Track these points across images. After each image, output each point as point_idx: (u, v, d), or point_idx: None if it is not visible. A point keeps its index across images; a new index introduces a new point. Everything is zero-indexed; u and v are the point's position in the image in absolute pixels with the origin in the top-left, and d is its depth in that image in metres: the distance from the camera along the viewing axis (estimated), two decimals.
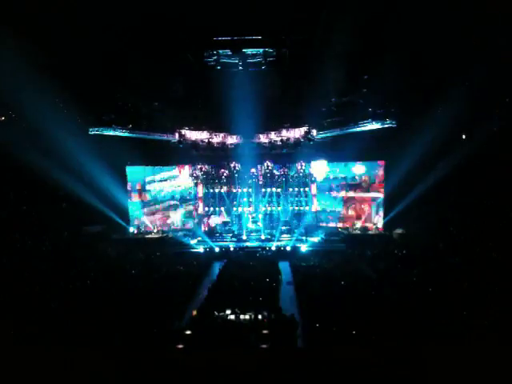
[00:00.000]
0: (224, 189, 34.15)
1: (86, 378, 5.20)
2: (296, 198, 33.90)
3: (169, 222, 33.88)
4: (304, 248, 27.90)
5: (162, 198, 33.85)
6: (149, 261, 24.79)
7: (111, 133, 27.68)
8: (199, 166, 33.88)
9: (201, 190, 34.20)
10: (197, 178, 33.97)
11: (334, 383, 5.00)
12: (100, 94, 25.15)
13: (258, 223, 33.12)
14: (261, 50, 21.75)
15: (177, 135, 30.75)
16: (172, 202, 33.96)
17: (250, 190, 33.99)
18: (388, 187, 30.17)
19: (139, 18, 17.20)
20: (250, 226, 33.08)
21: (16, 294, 15.85)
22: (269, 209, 33.83)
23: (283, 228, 32.34)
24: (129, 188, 32.88)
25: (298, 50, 21.42)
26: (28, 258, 21.17)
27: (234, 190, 34.12)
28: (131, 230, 31.65)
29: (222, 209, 34.16)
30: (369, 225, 31.18)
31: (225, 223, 33.62)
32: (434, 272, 18.64)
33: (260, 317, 14.94)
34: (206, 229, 33.48)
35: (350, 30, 17.34)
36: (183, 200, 34.09)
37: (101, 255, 24.99)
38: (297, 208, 33.87)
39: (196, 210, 34.20)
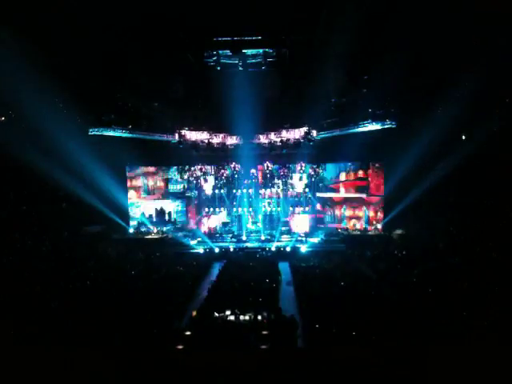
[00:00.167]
0: (224, 189, 34.13)
1: (86, 378, 5.20)
2: (296, 199, 33.87)
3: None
4: (304, 249, 27.90)
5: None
6: (149, 261, 24.78)
7: (111, 133, 27.67)
8: (199, 167, 33.89)
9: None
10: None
11: (334, 383, 5.00)
12: (100, 95, 25.16)
13: (258, 224, 33.10)
14: (261, 50, 21.77)
15: (177, 136, 30.78)
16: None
17: (250, 190, 33.97)
18: (388, 188, 30.18)
19: (139, 18, 17.21)
20: (250, 226, 33.08)
21: (16, 294, 15.84)
22: (269, 209, 33.80)
23: (283, 229, 32.35)
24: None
25: (298, 51, 21.44)
26: (28, 258, 21.18)
27: (234, 191, 34.11)
28: (131, 230, 31.64)
29: (222, 209, 34.15)
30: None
31: (224, 224, 33.60)
32: (433, 272, 18.63)
33: (260, 317, 14.93)
34: (206, 230, 33.42)
35: (350, 30, 17.34)
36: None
37: (101, 255, 24.99)
38: (297, 209, 33.82)
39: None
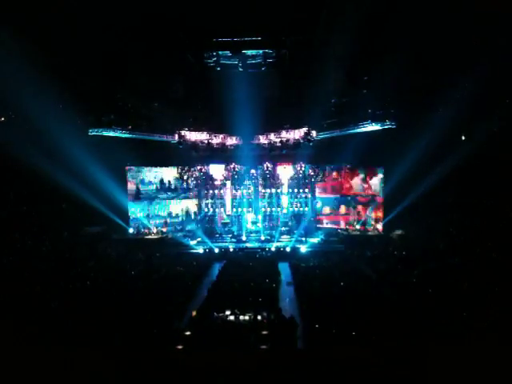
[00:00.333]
0: (223, 190, 34.15)
1: (86, 378, 5.21)
2: (296, 199, 33.88)
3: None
4: (303, 249, 27.91)
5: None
6: (148, 261, 24.77)
7: (111, 134, 27.68)
8: (199, 167, 33.92)
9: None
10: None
11: (334, 383, 5.01)
12: (100, 95, 25.17)
13: (258, 224, 33.09)
14: (260, 50, 21.77)
15: (176, 136, 30.79)
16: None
17: (250, 191, 33.97)
18: (387, 188, 30.18)
19: (139, 18, 17.22)
20: (250, 226, 33.08)
21: (16, 294, 15.84)
22: (268, 210, 33.80)
23: (283, 229, 32.35)
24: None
25: (298, 51, 21.44)
26: (28, 258, 21.17)
27: (234, 191, 34.10)
28: (131, 230, 31.61)
29: (222, 209, 34.16)
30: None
31: (224, 224, 33.59)
32: (433, 272, 18.63)
33: (260, 317, 14.94)
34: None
35: (350, 31, 17.35)
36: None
37: (101, 255, 24.97)
38: (296, 209, 33.83)
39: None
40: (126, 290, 18.16)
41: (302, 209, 33.69)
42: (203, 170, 34.07)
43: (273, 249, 28.22)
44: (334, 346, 11.21)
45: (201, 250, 28.32)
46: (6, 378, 5.13)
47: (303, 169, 33.52)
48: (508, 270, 16.60)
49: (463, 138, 26.36)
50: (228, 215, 34.11)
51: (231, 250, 28.36)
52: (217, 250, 28.09)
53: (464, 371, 4.96)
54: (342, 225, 31.55)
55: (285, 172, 34.02)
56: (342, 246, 28.24)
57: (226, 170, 34.21)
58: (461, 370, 4.99)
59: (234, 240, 31.29)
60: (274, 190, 33.81)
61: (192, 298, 18.91)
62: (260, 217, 33.41)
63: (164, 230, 32.58)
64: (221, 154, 33.05)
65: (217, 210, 34.18)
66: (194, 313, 15.68)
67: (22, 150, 23.34)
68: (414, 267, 19.97)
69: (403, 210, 27.76)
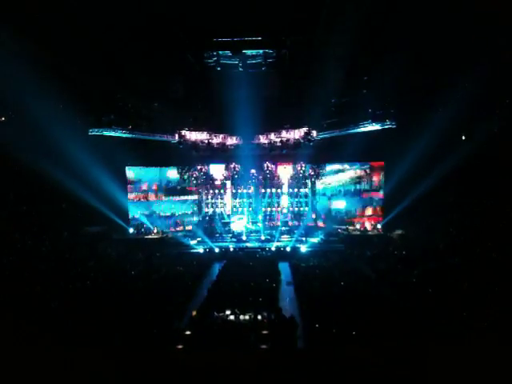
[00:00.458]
0: (223, 190, 34.17)
1: (86, 378, 5.21)
2: (296, 199, 33.89)
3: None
4: (304, 248, 27.90)
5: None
6: (149, 261, 24.77)
7: (111, 133, 27.68)
8: (199, 167, 33.93)
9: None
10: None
11: (334, 383, 5.01)
12: (100, 95, 25.18)
13: (258, 224, 33.09)
14: (261, 50, 21.76)
15: (177, 136, 30.80)
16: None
17: (250, 190, 33.98)
18: (387, 188, 30.20)
19: (139, 18, 17.22)
20: (250, 226, 33.07)
21: (16, 294, 15.84)
22: (268, 209, 33.81)
23: (283, 229, 32.34)
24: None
25: (298, 51, 21.42)
26: (28, 258, 21.16)
27: (234, 191, 34.12)
28: (131, 230, 31.60)
29: (223, 209, 34.18)
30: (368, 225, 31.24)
31: (224, 224, 33.58)
32: (433, 272, 18.62)
33: (260, 317, 14.95)
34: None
35: (350, 30, 17.34)
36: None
37: (101, 255, 24.97)
38: (296, 209, 33.84)
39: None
40: (125, 289, 18.16)
41: (302, 209, 33.72)
42: (203, 170, 34.07)
43: (273, 248, 28.23)
44: (334, 346, 11.22)
45: (201, 250, 28.32)
46: (6, 378, 5.14)
47: (303, 168, 33.52)
48: (508, 270, 16.60)
49: (463, 137, 26.35)
50: (228, 215, 34.12)
51: (231, 249, 28.36)
52: (217, 250, 28.09)
53: (464, 371, 4.96)
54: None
55: (285, 172, 34.02)
56: (341, 245, 28.25)
57: (226, 169, 34.22)
58: (461, 370, 4.99)
59: (234, 240, 31.29)
60: (274, 190, 33.83)
61: (192, 297, 18.91)
62: (260, 216, 33.40)
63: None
64: (221, 154, 33.06)
65: (217, 209, 34.20)
66: (194, 312, 15.68)
67: (21, 150, 23.34)
68: (414, 267, 19.97)
69: (403, 210, 27.76)
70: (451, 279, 17.26)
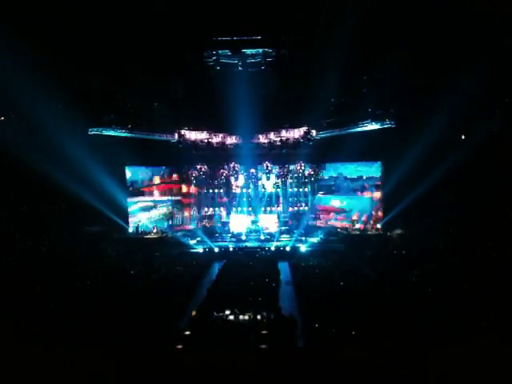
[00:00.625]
0: (223, 189, 34.14)
1: (86, 378, 5.21)
2: (295, 198, 33.90)
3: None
4: (303, 248, 27.90)
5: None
6: (148, 261, 24.77)
7: (111, 133, 27.68)
8: (198, 167, 33.92)
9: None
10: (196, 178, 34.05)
11: (334, 383, 5.01)
12: (100, 95, 25.17)
13: (258, 223, 33.08)
14: (260, 50, 21.77)
15: (176, 135, 30.78)
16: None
17: (250, 190, 33.98)
18: (387, 188, 30.20)
19: (139, 18, 17.23)
20: (250, 226, 33.07)
21: (16, 294, 15.84)
22: (268, 209, 33.82)
23: (282, 228, 32.34)
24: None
25: (298, 51, 21.44)
26: (28, 258, 21.15)
27: (233, 191, 34.12)
28: (130, 230, 31.58)
29: (222, 209, 34.17)
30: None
31: (224, 223, 33.58)
32: (433, 272, 18.63)
33: (259, 317, 14.95)
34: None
35: (350, 30, 17.36)
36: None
37: (100, 255, 24.95)
38: (296, 208, 33.86)
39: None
40: (125, 289, 18.17)
41: (301, 208, 33.74)
42: (203, 170, 34.05)
43: (272, 248, 28.23)
44: (334, 346, 11.22)
45: (200, 250, 28.33)
46: (6, 378, 5.13)
47: (303, 168, 33.53)
48: (508, 270, 16.60)
49: (463, 137, 26.34)
50: (227, 215, 34.14)
51: (231, 249, 28.38)
52: (216, 250, 28.10)
53: (464, 371, 4.96)
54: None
55: (284, 171, 34.01)
56: (341, 245, 28.26)
57: (225, 169, 34.21)
58: (461, 370, 4.99)
59: (233, 239, 31.31)
60: (273, 190, 33.84)
61: (192, 297, 18.91)
62: (260, 216, 33.41)
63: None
64: (221, 153, 33.04)
65: (216, 209, 34.21)
66: (193, 312, 15.69)
67: (21, 150, 23.32)
68: (414, 267, 19.98)
69: (403, 210, 27.74)
70: (451, 279, 17.27)
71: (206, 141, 31.51)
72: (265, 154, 33.02)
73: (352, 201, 32.95)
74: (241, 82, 23.38)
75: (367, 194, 32.54)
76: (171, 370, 5.42)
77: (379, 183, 31.85)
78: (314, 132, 30.30)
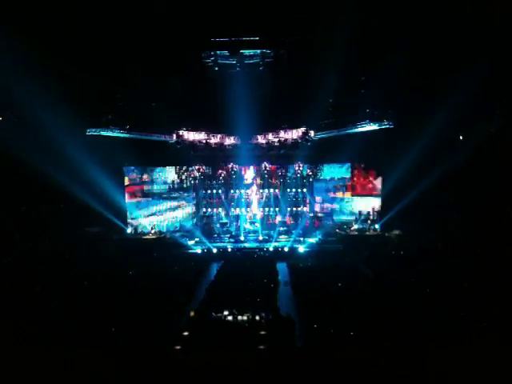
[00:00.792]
0: (221, 190, 34.09)
1: (86, 378, 5.22)
2: (294, 199, 33.89)
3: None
4: (301, 249, 27.90)
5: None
6: (147, 261, 24.75)
7: (109, 134, 27.66)
8: (197, 167, 33.88)
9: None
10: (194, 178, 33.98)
11: (333, 383, 5.03)
12: (98, 95, 25.14)
13: (256, 224, 33.07)
14: (258, 50, 21.76)
15: (174, 136, 30.75)
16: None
17: (248, 191, 33.97)
18: (386, 188, 30.24)
19: (138, 18, 17.22)
20: (248, 226, 33.06)
21: (16, 294, 15.84)
22: (266, 210, 33.79)
23: (281, 229, 32.34)
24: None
25: (296, 51, 21.43)
26: (28, 258, 21.15)
27: (232, 191, 34.09)
28: (129, 230, 31.56)
29: (220, 210, 34.13)
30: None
31: (222, 224, 33.56)
32: (433, 272, 18.66)
33: (258, 317, 14.94)
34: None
35: (350, 31, 17.36)
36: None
37: (100, 256, 24.93)
38: (294, 209, 33.84)
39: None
40: (124, 290, 18.16)
41: (300, 209, 33.73)
42: (201, 170, 34.02)
43: (271, 249, 28.22)
44: (332, 346, 11.24)
45: (199, 250, 28.30)
46: (6, 378, 5.14)
47: (301, 169, 33.53)
48: (508, 270, 16.64)
49: (462, 137, 26.38)
50: (226, 215, 34.09)
51: (229, 250, 28.36)
52: (215, 250, 28.07)
53: (463, 371, 4.98)
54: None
55: (283, 172, 34.00)
56: (339, 245, 28.27)
57: (224, 169, 34.18)
58: (460, 370, 5.01)
59: (232, 240, 31.31)
60: (272, 190, 33.82)
61: (190, 298, 18.89)
62: (258, 217, 33.40)
63: None
64: (219, 154, 33.01)
65: (215, 209, 34.18)
66: (192, 313, 15.68)
67: (20, 150, 23.31)
68: (413, 267, 20.00)
69: (401, 210, 27.78)
70: (450, 279, 17.30)
71: (204, 141, 31.47)
72: (263, 154, 32.98)
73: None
74: (239, 83, 23.39)
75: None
76: (170, 370, 5.43)
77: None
78: (312, 133, 30.29)
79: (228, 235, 32.27)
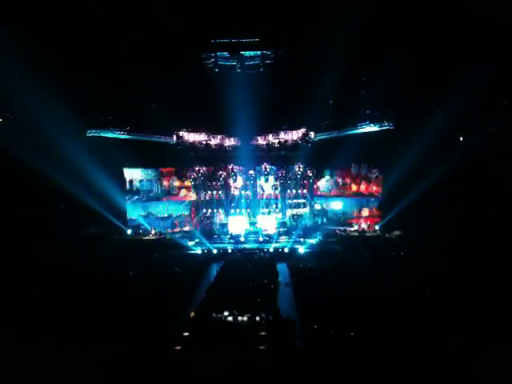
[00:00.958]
0: (222, 191, 34.05)
1: (87, 378, 5.22)
2: (294, 200, 33.85)
3: None
4: (302, 250, 27.87)
5: None
6: (147, 262, 24.73)
7: (109, 135, 27.64)
8: (197, 168, 33.85)
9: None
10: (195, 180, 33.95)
11: (332, 383, 5.03)
12: (98, 96, 25.14)
13: (256, 225, 33.02)
14: (259, 52, 21.77)
15: (175, 137, 30.73)
16: None
17: (248, 192, 33.92)
18: (386, 189, 30.23)
19: (139, 19, 17.24)
20: (248, 227, 33.01)
21: (16, 294, 15.83)
22: (266, 210, 33.75)
23: (281, 230, 32.30)
24: None
25: (296, 53, 21.45)
26: (28, 258, 21.13)
27: (232, 192, 34.06)
28: (129, 231, 31.52)
29: (220, 211, 34.10)
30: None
31: (222, 225, 33.53)
32: (432, 272, 18.64)
33: (258, 318, 14.94)
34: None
35: (350, 31, 17.38)
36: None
37: (100, 256, 24.89)
38: (295, 210, 33.82)
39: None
40: (124, 291, 18.15)
41: (300, 210, 33.71)
42: (201, 171, 33.99)
43: (271, 250, 28.17)
44: (332, 346, 11.24)
45: (199, 251, 28.26)
46: (6, 377, 5.14)
47: (301, 170, 33.50)
48: (508, 270, 16.63)
49: (462, 138, 26.38)
50: (226, 216, 34.07)
51: (229, 250, 28.31)
52: (215, 251, 28.04)
53: (464, 371, 4.98)
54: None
55: (283, 173, 33.97)
56: (339, 246, 28.24)
57: (224, 171, 34.15)
58: (460, 370, 5.01)
59: (232, 241, 31.24)
60: (272, 191, 33.79)
61: (190, 298, 18.89)
62: (258, 218, 33.36)
63: None
64: (219, 155, 33.00)
65: (215, 210, 34.15)
66: (192, 314, 15.67)
67: (21, 151, 23.31)
68: (413, 267, 19.99)
69: (401, 211, 27.76)
70: (450, 279, 17.29)
71: (204, 142, 31.46)
72: (263, 155, 32.97)
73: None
74: (239, 84, 23.40)
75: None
76: (170, 370, 5.44)
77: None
78: (312, 134, 30.29)
79: (228, 236, 32.20)
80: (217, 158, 33.46)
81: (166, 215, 33.99)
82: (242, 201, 33.87)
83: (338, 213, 33.62)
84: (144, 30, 18.45)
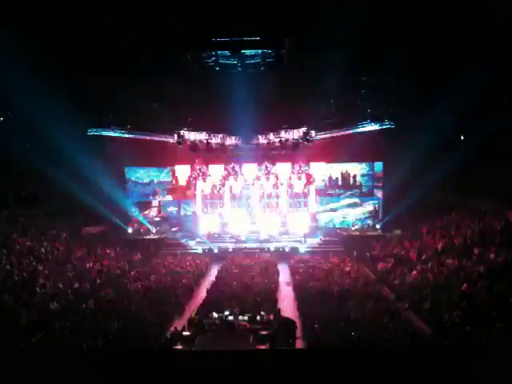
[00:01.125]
0: (223, 190, 34.03)
1: (86, 378, 5.20)
2: (295, 199, 33.82)
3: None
4: (302, 249, 27.86)
5: None
6: (147, 262, 24.76)
7: (110, 134, 27.64)
8: (198, 167, 33.85)
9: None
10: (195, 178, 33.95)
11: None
12: (99, 95, 25.11)
13: (257, 224, 32.99)
14: (259, 50, 21.73)
15: (176, 136, 30.71)
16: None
17: (249, 190, 33.90)
18: (387, 189, 30.22)
19: (139, 18, 17.20)
20: (249, 227, 32.97)
21: (16, 295, 15.83)
22: (268, 210, 33.73)
23: (282, 229, 32.27)
24: None
25: (297, 51, 21.41)
26: (28, 258, 21.13)
27: (233, 191, 34.03)
28: (130, 230, 31.53)
29: (221, 210, 34.09)
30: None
31: (223, 224, 33.51)
32: (432, 273, 18.63)
33: (259, 318, 14.95)
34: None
35: (350, 31, 17.34)
36: None
37: (100, 256, 24.91)
38: (296, 209, 33.81)
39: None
40: (124, 290, 18.18)
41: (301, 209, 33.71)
42: (202, 170, 33.98)
43: (272, 249, 28.17)
44: (333, 346, 11.24)
45: (200, 250, 28.27)
46: (6, 377, 5.13)
47: (302, 169, 33.48)
48: (508, 270, 16.61)
49: (462, 137, 26.35)
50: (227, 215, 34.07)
51: (230, 250, 28.31)
52: (216, 250, 28.05)
53: (464, 372, 4.96)
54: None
55: (284, 172, 33.95)
56: (341, 246, 28.23)
57: (225, 170, 34.15)
58: (461, 370, 4.99)
59: (233, 240, 31.20)
60: (273, 191, 33.77)
61: (191, 298, 18.92)
62: (259, 217, 33.33)
63: None
64: (220, 154, 32.98)
65: (216, 209, 34.13)
66: (193, 313, 15.69)
67: (21, 150, 23.32)
68: (414, 268, 19.98)
69: (403, 210, 27.73)
70: (450, 279, 17.28)
71: (205, 141, 31.43)
72: (264, 154, 32.96)
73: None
74: (240, 83, 23.35)
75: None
76: (170, 370, 5.42)
77: None
78: (313, 133, 30.24)
79: (229, 235, 32.17)
80: (218, 157, 33.46)
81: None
82: (243, 200, 33.84)
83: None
84: (145, 29, 18.40)
